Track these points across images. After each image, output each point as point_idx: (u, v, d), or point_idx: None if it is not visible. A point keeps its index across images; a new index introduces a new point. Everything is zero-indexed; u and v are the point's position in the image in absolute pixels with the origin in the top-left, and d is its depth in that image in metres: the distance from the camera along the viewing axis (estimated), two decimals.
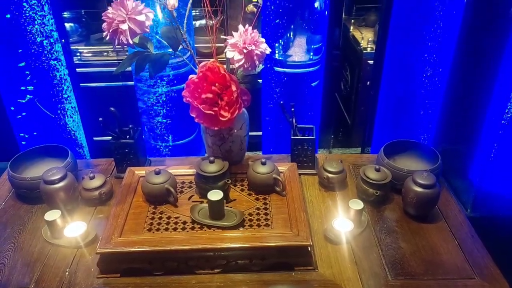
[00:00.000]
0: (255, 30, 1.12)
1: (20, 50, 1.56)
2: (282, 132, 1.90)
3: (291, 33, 1.75)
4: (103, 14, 1.11)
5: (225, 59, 1.22)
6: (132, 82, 1.89)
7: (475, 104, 1.87)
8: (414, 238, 1.20)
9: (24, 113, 1.70)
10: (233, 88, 1.15)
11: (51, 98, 1.68)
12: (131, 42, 1.11)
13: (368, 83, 2.07)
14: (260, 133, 2.06)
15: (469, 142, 1.92)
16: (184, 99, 1.20)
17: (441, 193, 1.28)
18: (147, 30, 1.12)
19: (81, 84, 1.86)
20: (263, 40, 1.14)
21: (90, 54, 2.11)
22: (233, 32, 1.13)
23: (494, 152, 1.71)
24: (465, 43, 1.72)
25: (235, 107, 1.16)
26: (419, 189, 1.21)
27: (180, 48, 1.21)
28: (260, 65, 1.21)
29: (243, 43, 1.10)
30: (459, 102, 1.91)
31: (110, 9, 1.10)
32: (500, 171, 1.72)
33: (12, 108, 1.69)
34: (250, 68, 1.14)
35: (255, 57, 1.12)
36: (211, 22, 1.19)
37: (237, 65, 1.12)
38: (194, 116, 1.19)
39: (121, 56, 2.09)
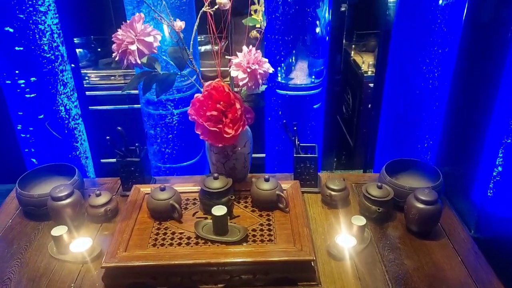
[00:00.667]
0: (258, 51, 1.17)
1: (34, 79, 1.61)
2: (285, 153, 1.93)
3: (293, 58, 1.80)
4: (113, 35, 1.16)
5: (229, 82, 1.26)
6: (139, 105, 1.94)
7: (475, 125, 1.89)
8: (417, 255, 1.20)
9: (32, 139, 1.73)
10: (237, 106, 1.18)
11: (60, 120, 1.72)
12: (139, 62, 1.15)
13: (370, 105, 2.11)
14: (264, 155, 2.08)
15: (471, 163, 1.94)
16: (189, 117, 1.23)
17: (444, 211, 1.29)
18: (155, 51, 1.17)
19: (90, 107, 1.90)
20: (266, 60, 1.18)
21: (98, 78, 2.17)
22: (237, 53, 1.17)
23: (496, 173, 1.73)
24: (464, 65, 1.76)
25: (239, 124, 1.19)
26: (421, 206, 1.22)
27: (188, 70, 1.25)
28: (263, 85, 1.25)
29: (246, 62, 1.15)
30: (460, 124, 1.94)
31: (119, 31, 1.15)
32: (502, 192, 1.73)
33: (19, 127, 1.72)
34: (253, 87, 1.18)
35: (258, 76, 1.16)
36: (216, 47, 1.24)
37: (241, 83, 1.16)
38: (199, 133, 1.22)
39: (128, 79, 2.15)
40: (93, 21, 2.25)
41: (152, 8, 1.13)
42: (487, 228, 1.81)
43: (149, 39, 1.15)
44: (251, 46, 1.16)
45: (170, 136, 1.85)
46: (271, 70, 1.18)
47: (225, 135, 1.19)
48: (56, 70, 1.64)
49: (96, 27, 2.29)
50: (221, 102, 1.19)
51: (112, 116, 2.14)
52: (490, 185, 1.76)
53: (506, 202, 1.73)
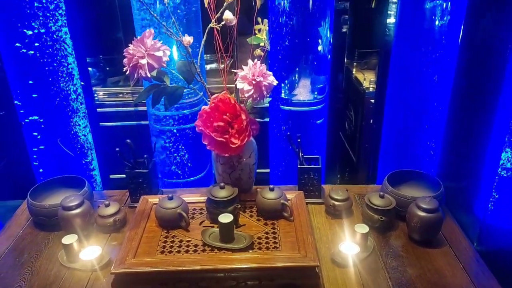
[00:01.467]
0: (263, 64, 1.22)
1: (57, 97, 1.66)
2: (290, 169, 1.96)
3: (296, 75, 1.86)
4: (124, 50, 1.21)
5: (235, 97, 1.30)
6: (146, 121, 1.98)
7: (475, 138, 1.93)
8: (419, 262, 1.22)
9: (42, 155, 1.78)
10: (243, 117, 1.23)
11: (71, 136, 1.77)
12: (149, 75, 1.21)
13: (371, 121, 2.15)
14: (268, 170, 2.12)
15: (472, 177, 1.97)
16: (196, 128, 1.28)
17: (445, 220, 1.32)
18: (164, 65, 1.22)
19: (100, 124, 1.95)
20: (271, 73, 1.23)
21: (106, 96, 2.24)
22: (243, 66, 1.22)
23: (496, 186, 1.76)
24: (462, 81, 1.81)
25: (245, 134, 1.23)
26: (422, 214, 1.25)
27: (196, 87, 1.30)
28: (267, 97, 1.30)
29: (252, 75, 1.20)
30: (460, 138, 1.97)
31: (131, 46, 1.20)
32: (503, 204, 1.76)
33: (34, 150, 1.77)
34: (258, 98, 1.22)
35: (263, 88, 1.21)
36: (222, 62, 1.30)
37: (246, 95, 1.21)
38: (206, 143, 1.27)
39: (136, 96, 2.21)
40: (103, 42, 2.33)
41: (163, 24, 1.18)
42: (490, 241, 1.82)
43: (159, 53, 1.20)
44: (256, 60, 1.21)
45: (176, 152, 1.89)
46: (275, 82, 1.23)
47: (231, 145, 1.24)
48: (69, 88, 1.69)
49: (105, 47, 2.37)
50: (228, 114, 1.23)
51: (120, 132, 2.19)
52: (491, 198, 1.79)
53: (507, 215, 1.75)
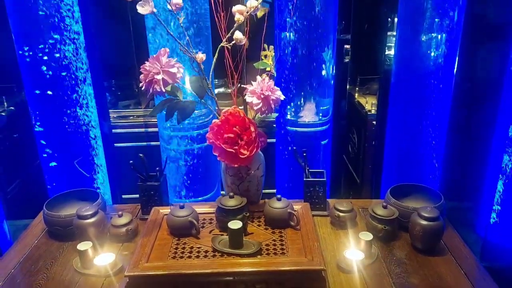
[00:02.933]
0: (271, 80, 1.30)
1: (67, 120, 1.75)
2: (295, 189, 2.01)
3: (302, 98, 1.94)
4: (141, 66, 1.30)
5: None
6: (157, 142, 2.06)
7: (475, 159, 2.00)
8: (422, 269, 1.26)
9: (57, 175, 1.84)
10: (252, 129, 1.30)
11: (85, 157, 1.84)
12: (163, 90, 1.29)
13: (374, 142, 2.22)
14: (274, 190, 2.17)
15: (473, 196, 2.02)
16: (207, 141, 1.35)
17: (446, 231, 1.37)
18: (178, 81, 1.30)
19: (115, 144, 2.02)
20: (278, 88, 1.32)
21: (117, 118, 2.33)
22: (252, 81, 1.31)
23: (497, 204, 1.81)
24: (460, 106, 1.90)
25: (253, 145, 1.30)
26: (424, 222, 1.30)
27: (206, 109, 1.39)
28: (275, 112, 1.38)
29: (260, 89, 1.28)
30: (460, 157, 2.04)
31: (147, 63, 1.29)
32: (504, 222, 1.80)
33: (53, 163, 1.84)
34: (267, 112, 1.30)
35: (271, 102, 1.29)
36: (231, 83, 1.39)
37: (255, 108, 1.29)
38: (216, 154, 1.33)
39: (147, 118, 2.30)
40: (116, 67, 2.44)
41: (179, 41, 1.28)
42: (492, 258, 1.85)
43: (173, 70, 1.29)
44: (264, 75, 1.30)
45: (185, 171, 1.96)
46: (282, 97, 1.31)
47: (240, 156, 1.30)
48: (85, 110, 1.78)
49: (117, 73, 2.48)
50: (237, 126, 1.31)
51: (131, 152, 2.26)
52: (492, 215, 1.83)
53: (508, 233, 1.79)
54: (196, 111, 1.75)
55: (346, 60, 2.71)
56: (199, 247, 1.27)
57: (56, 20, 1.61)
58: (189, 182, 1.96)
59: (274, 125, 1.89)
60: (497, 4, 1.87)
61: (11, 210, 2.16)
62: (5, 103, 2.37)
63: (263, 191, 1.53)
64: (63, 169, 1.82)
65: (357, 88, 2.63)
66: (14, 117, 2.37)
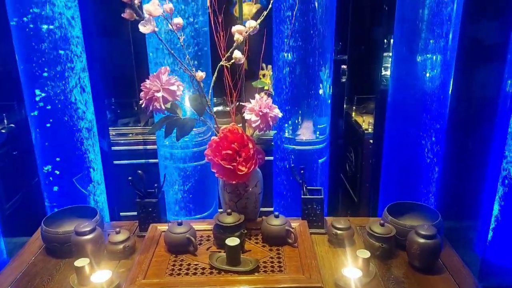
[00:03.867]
0: (269, 97, 1.32)
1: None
2: (293, 207, 2.02)
3: (299, 117, 1.96)
4: (142, 84, 1.32)
5: None
6: (156, 160, 2.07)
7: (472, 178, 2.01)
8: (421, 287, 1.26)
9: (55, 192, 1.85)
10: (250, 146, 1.31)
11: (84, 174, 1.85)
12: (163, 107, 1.31)
13: (371, 161, 2.24)
14: (272, 208, 2.17)
15: (471, 214, 2.02)
16: (206, 158, 1.36)
17: (444, 249, 1.37)
18: (178, 99, 1.32)
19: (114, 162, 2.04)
20: (276, 106, 1.34)
21: (116, 135, 2.35)
22: (250, 99, 1.33)
23: (495, 226, 1.81)
24: (456, 128, 1.92)
25: (251, 162, 1.32)
26: (421, 240, 1.30)
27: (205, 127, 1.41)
28: (272, 130, 1.40)
29: (259, 107, 1.30)
30: (458, 176, 2.05)
31: (147, 81, 1.32)
32: (501, 243, 1.81)
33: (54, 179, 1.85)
34: (265, 129, 1.32)
35: (269, 119, 1.30)
36: (227, 108, 1.41)
37: (254, 125, 1.30)
38: (215, 171, 1.34)
39: (146, 136, 2.32)
40: (116, 86, 2.47)
41: (179, 59, 1.30)
42: (490, 278, 1.85)
43: (173, 87, 1.31)
44: (262, 93, 1.32)
45: (183, 189, 1.96)
46: (280, 114, 1.33)
47: (238, 173, 1.31)
48: (84, 127, 1.80)
49: (117, 91, 2.51)
50: (235, 143, 1.32)
51: (130, 170, 2.27)
52: (490, 234, 1.84)
53: (506, 253, 1.80)
54: (195, 129, 1.76)
55: (343, 80, 2.75)
56: (196, 264, 1.27)
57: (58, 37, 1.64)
58: (187, 199, 1.97)
59: (272, 143, 1.90)
60: (490, 26, 1.92)
61: (9, 227, 2.15)
62: (5, 121, 2.39)
63: (261, 209, 1.53)
64: (62, 187, 1.82)
65: (354, 107, 2.66)
66: (14, 134, 2.39)
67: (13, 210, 2.41)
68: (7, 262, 1.48)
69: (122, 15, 1.16)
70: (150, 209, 1.53)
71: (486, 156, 1.94)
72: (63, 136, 1.74)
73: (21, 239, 1.95)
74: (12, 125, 2.39)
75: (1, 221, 2.07)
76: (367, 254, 1.28)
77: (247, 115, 1.31)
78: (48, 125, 1.71)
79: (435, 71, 1.74)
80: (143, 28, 1.18)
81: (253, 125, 1.30)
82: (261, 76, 2.24)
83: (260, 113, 1.30)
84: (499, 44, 1.84)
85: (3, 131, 2.34)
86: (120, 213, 2.12)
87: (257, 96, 1.33)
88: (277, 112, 1.33)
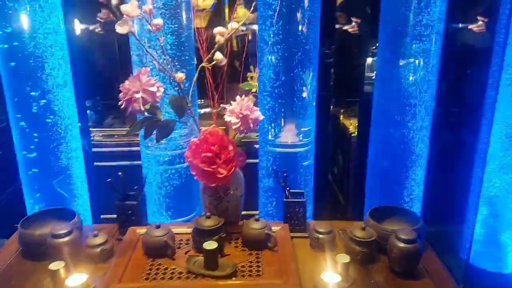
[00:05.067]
0: (250, 99, 1.31)
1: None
2: (278, 209, 2.00)
3: (282, 120, 1.94)
4: (120, 86, 1.30)
5: None
6: (139, 162, 2.04)
7: (457, 183, 2.00)
8: None
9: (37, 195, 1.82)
10: (230, 147, 1.30)
11: (65, 176, 1.82)
12: (142, 109, 1.29)
13: (357, 163, 2.23)
14: (257, 211, 2.15)
15: (455, 219, 2.02)
16: (185, 160, 1.34)
17: (426, 253, 1.36)
18: (158, 100, 1.30)
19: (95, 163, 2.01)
20: (257, 108, 1.32)
21: (101, 137, 2.32)
22: (231, 101, 1.31)
23: (479, 230, 1.81)
24: (441, 120, 1.91)
25: (232, 165, 1.30)
26: (402, 245, 1.29)
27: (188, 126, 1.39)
28: (254, 132, 1.38)
29: (239, 109, 1.28)
30: (443, 182, 2.05)
31: (126, 82, 1.30)
32: (486, 248, 1.81)
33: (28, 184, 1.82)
34: (245, 131, 1.30)
35: (250, 121, 1.29)
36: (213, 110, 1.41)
37: (234, 127, 1.29)
38: (194, 173, 1.32)
39: (131, 137, 2.30)
40: (101, 86, 2.45)
41: (157, 60, 1.28)
42: (474, 282, 1.85)
43: (153, 89, 1.29)
44: (243, 95, 1.30)
45: (165, 192, 1.94)
46: (261, 116, 1.32)
47: (218, 175, 1.30)
48: (64, 129, 1.77)
49: (103, 91, 2.49)
50: (215, 145, 1.30)
51: (113, 171, 2.24)
52: (475, 238, 1.83)
53: (489, 257, 1.80)
54: (177, 131, 1.75)
55: (331, 83, 2.75)
56: (173, 268, 1.25)
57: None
58: (169, 202, 1.94)
59: (256, 146, 1.88)
60: (473, 32, 1.92)
61: None
62: None
63: (246, 212, 1.51)
64: (43, 189, 1.80)
65: (342, 110, 2.66)
66: None
67: None
68: None
69: (97, 14, 1.14)
70: (129, 212, 1.51)
71: (471, 160, 1.93)
72: (43, 137, 1.72)
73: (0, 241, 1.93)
74: None
75: None
76: (346, 258, 1.27)
77: (227, 117, 1.29)
78: (23, 123, 1.68)
79: (418, 74, 1.73)
80: (119, 29, 1.17)
81: (234, 127, 1.29)
82: (249, 78, 2.22)
83: (241, 115, 1.28)
84: (482, 48, 1.84)
85: None
86: (101, 216, 2.09)
87: (238, 98, 1.31)
88: (258, 114, 1.31)
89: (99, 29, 2.12)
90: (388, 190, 1.96)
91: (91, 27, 2.16)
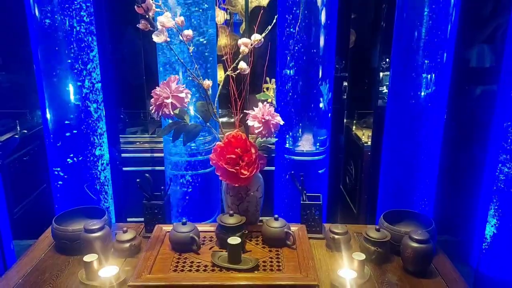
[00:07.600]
0: (271, 106, 1.41)
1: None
2: (294, 215, 2.08)
3: (300, 129, 2.04)
4: (152, 91, 1.41)
5: None
6: (162, 167, 2.14)
7: (467, 193, 2.06)
8: None
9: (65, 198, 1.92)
10: (253, 151, 1.39)
11: (93, 180, 1.92)
12: (172, 113, 1.39)
13: (370, 172, 2.30)
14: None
15: (466, 228, 2.08)
16: (211, 161, 1.44)
17: (437, 255, 1.43)
18: (185, 105, 1.41)
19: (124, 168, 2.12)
20: (278, 114, 1.42)
21: (124, 143, 2.44)
22: (253, 107, 1.41)
23: (489, 238, 1.86)
24: (452, 138, 1.99)
25: (254, 166, 1.39)
26: (415, 245, 1.37)
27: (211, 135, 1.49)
28: (274, 138, 1.48)
29: (262, 114, 1.38)
30: (453, 192, 2.11)
31: (158, 88, 1.40)
32: (495, 255, 1.85)
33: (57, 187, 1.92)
34: (267, 135, 1.40)
35: (271, 126, 1.38)
36: (231, 119, 1.50)
37: (256, 131, 1.38)
38: (219, 174, 1.42)
39: (152, 144, 2.41)
40: (125, 96, 2.57)
41: (188, 69, 1.39)
42: None
43: (182, 95, 1.39)
44: (265, 102, 1.40)
45: (187, 196, 2.03)
46: (281, 122, 1.41)
47: (241, 176, 1.39)
48: (97, 138, 1.88)
49: (126, 102, 2.61)
50: (239, 148, 1.40)
51: (136, 177, 2.34)
52: (484, 246, 1.89)
53: (499, 264, 1.84)
54: (200, 138, 1.84)
55: (344, 96, 2.84)
56: (199, 262, 1.34)
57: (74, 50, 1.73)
58: (191, 206, 2.03)
59: (273, 155, 1.97)
60: (483, 48, 2.00)
61: (18, 230, 2.22)
62: (18, 127, 2.49)
63: (262, 217, 1.60)
64: (71, 192, 1.89)
65: (354, 122, 2.75)
66: (26, 140, 2.48)
67: (22, 214, 2.48)
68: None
69: (137, 25, 1.25)
70: (156, 211, 1.60)
71: (480, 170, 2.00)
72: (75, 142, 1.82)
73: (28, 242, 2.02)
74: (25, 131, 2.49)
75: (11, 224, 2.13)
76: (362, 256, 1.34)
77: (250, 122, 1.39)
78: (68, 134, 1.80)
79: (429, 89, 1.82)
80: (156, 38, 1.28)
81: (256, 131, 1.38)
82: (264, 89, 2.32)
83: (263, 120, 1.38)
84: (491, 67, 1.92)
85: (16, 136, 2.43)
86: (127, 219, 2.18)
87: (260, 104, 1.41)
88: (278, 119, 1.41)
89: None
90: (400, 199, 2.03)
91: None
